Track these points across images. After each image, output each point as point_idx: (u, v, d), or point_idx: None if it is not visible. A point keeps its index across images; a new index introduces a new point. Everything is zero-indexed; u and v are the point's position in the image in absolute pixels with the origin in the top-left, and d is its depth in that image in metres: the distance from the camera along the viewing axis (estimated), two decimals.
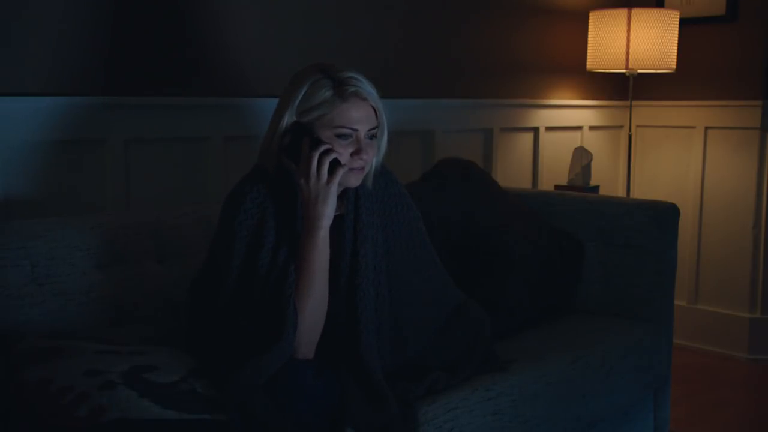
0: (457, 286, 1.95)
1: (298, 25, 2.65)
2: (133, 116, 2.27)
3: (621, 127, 3.93)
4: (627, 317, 2.40)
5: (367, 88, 1.61)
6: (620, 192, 3.87)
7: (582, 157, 3.48)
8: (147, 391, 1.41)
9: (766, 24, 3.55)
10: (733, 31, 3.63)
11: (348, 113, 1.58)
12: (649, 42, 3.31)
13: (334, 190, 1.56)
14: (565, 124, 3.67)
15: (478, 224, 2.33)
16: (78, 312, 1.77)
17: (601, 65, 3.43)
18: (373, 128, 1.63)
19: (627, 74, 3.48)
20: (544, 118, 3.56)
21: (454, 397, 1.72)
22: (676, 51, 3.37)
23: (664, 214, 2.40)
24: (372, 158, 1.66)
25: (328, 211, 1.56)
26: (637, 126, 3.93)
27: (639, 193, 3.92)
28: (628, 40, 3.31)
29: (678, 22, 3.38)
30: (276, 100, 1.65)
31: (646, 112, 3.90)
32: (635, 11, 3.32)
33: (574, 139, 3.73)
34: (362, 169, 1.63)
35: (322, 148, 1.56)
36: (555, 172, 3.63)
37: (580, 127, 3.76)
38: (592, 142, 3.80)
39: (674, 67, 3.40)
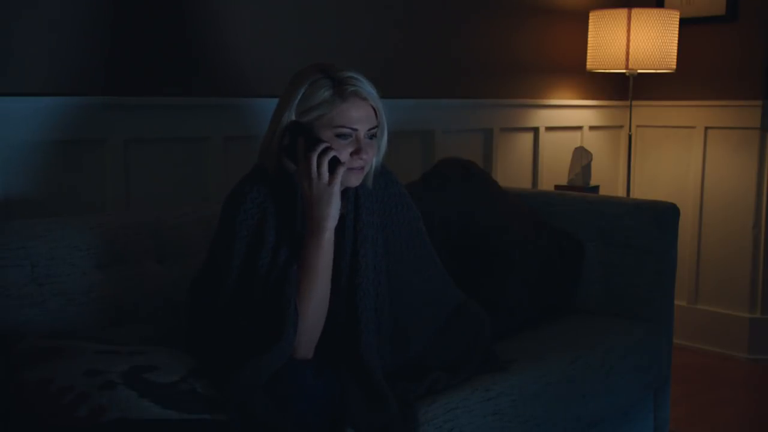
0: (457, 286, 1.95)
1: (298, 25, 2.65)
2: (133, 116, 2.27)
3: (621, 127, 3.93)
4: (627, 317, 2.40)
5: (367, 87, 1.61)
6: (620, 192, 3.87)
7: (582, 157, 3.48)
8: (147, 391, 1.41)
9: (766, 24, 3.54)
10: (733, 31, 3.63)
11: (348, 113, 1.58)
12: (649, 42, 3.31)
13: (337, 190, 1.56)
14: (565, 124, 3.67)
15: (478, 224, 2.33)
16: (78, 312, 1.77)
17: (601, 65, 3.43)
18: (373, 128, 1.63)
19: (627, 74, 3.48)
20: (544, 118, 3.56)
21: (454, 397, 1.72)
22: (676, 51, 3.37)
23: (664, 214, 2.40)
24: (372, 158, 1.66)
25: (333, 212, 1.55)
26: (637, 126, 3.93)
27: (639, 193, 3.92)
28: (628, 40, 3.31)
29: (678, 22, 3.38)
30: (276, 100, 1.65)
31: (646, 112, 3.90)
32: (635, 11, 3.31)
33: (574, 139, 3.72)
34: (362, 168, 1.63)
35: (320, 148, 1.55)
36: (555, 172, 3.62)
37: (580, 127, 3.76)
38: (592, 142, 3.80)
39: (674, 67, 3.40)
